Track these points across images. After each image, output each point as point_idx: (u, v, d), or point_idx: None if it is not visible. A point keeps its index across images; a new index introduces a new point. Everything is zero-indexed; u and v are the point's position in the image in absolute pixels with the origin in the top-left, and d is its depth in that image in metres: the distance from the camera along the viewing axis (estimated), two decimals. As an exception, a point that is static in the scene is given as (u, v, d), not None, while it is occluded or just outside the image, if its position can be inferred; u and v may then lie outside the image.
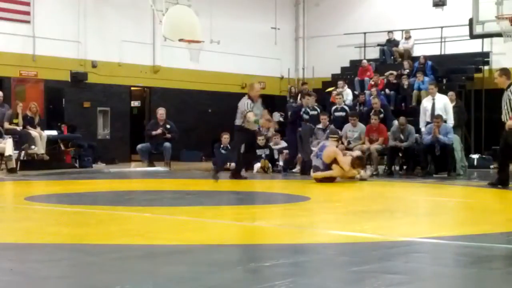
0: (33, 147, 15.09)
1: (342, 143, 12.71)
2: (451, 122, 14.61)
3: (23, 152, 15.18)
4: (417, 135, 14.93)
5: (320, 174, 11.88)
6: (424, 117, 14.95)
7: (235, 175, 12.88)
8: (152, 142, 16.54)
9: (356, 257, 4.93)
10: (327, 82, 22.27)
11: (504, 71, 11.13)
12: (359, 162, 11.60)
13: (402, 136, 14.71)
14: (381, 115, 15.51)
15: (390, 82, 19.72)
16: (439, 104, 14.69)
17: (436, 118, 14.15)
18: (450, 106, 14.85)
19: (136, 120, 20.71)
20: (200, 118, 20.90)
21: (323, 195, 10.41)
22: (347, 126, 15.24)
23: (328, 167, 11.81)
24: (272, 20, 23.26)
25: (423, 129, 14.80)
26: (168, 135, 16.48)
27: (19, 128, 15.33)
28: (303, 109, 15.19)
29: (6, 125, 15.17)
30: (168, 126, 16.64)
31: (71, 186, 11.66)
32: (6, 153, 14.28)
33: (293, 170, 15.05)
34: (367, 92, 19.22)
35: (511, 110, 10.64)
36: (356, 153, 12.72)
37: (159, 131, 16.44)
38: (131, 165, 18.12)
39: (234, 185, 11.43)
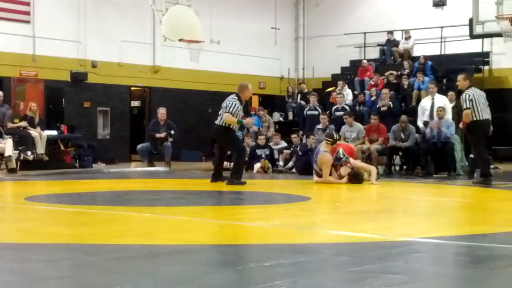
0: (28, 153, 15.01)
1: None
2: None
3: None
4: (417, 135, 14.93)
5: (317, 180, 11.92)
6: (422, 116, 15.00)
7: (218, 177, 11.91)
8: (153, 142, 16.54)
9: (356, 257, 4.93)
10: (327, 82, 22.27)
11: (468, 76, 11.87)
12: (353, 181, 11.61)
13: (402, 136, 14.71)
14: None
15: (390, 82, 19.71)
16: (439, 104, 14.74)
17: (438, 107, 14.26)
18: (449, 106, 14.91)
19: (136, 120, 20.72)
20: (200, 118, 20.88)
21: (323, 195, 10.43)
22: (344, 127, 15.23)
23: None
24: (272, 20, 23.25)
25: (421, 125, 14.88)
26: (171, 139, 16.45)
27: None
28: None
29: (9, 124, 15.15)
30: (171, 130, 16.56)
31: (71, 186, 11.66)
32: (6, 153, 14.28)
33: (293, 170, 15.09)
34: (367, 92, 19.22)
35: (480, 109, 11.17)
36: (363, 165, 12.67)
37: (162, 135, 16.42)
38: (131, 165, 18.12)
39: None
